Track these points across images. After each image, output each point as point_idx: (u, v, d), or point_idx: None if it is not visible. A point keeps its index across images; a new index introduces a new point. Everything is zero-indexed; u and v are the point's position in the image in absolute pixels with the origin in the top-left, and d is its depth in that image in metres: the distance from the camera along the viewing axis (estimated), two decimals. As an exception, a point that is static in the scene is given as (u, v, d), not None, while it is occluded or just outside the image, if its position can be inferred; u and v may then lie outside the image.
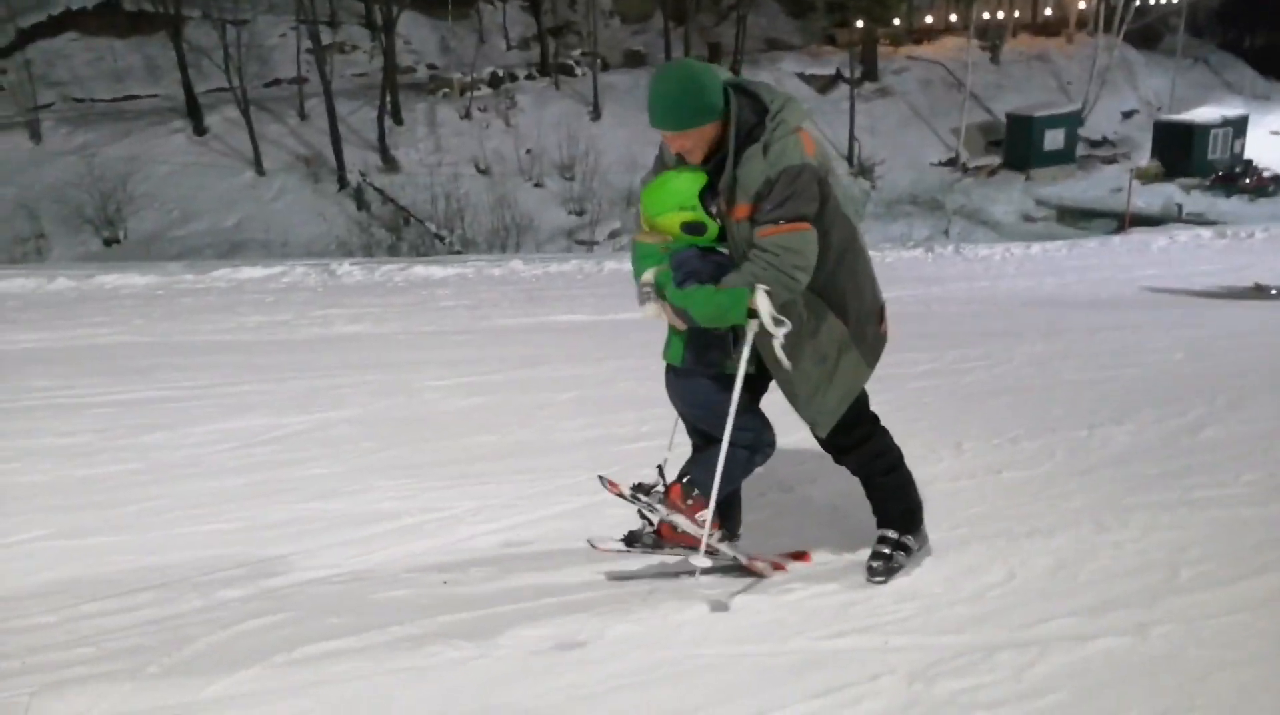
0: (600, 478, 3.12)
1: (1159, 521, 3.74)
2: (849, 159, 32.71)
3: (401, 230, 25.50)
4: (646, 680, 2.65)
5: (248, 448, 4.44)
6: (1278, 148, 32.38)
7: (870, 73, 35.73)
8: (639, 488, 3.07)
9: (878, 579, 3.10)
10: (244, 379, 5.63)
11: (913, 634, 2.87)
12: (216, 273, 9.73)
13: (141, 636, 2.82)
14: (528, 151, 30.94)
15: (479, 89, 32.50)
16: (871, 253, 3.21)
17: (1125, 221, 18.63)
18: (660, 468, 3.18)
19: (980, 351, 6.26)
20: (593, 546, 3.18)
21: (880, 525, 3.20)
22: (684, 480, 3.05)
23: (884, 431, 3.15)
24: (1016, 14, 38.91)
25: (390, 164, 29.46)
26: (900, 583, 3.17)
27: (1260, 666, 2.72)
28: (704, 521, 3.00)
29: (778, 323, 2.72)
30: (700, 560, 2.92)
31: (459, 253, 22.37)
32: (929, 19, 38.67)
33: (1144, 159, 31.97)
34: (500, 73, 33.30)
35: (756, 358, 2.92)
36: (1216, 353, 6.72)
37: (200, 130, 29.55)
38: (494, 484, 3.98)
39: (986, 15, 37.26)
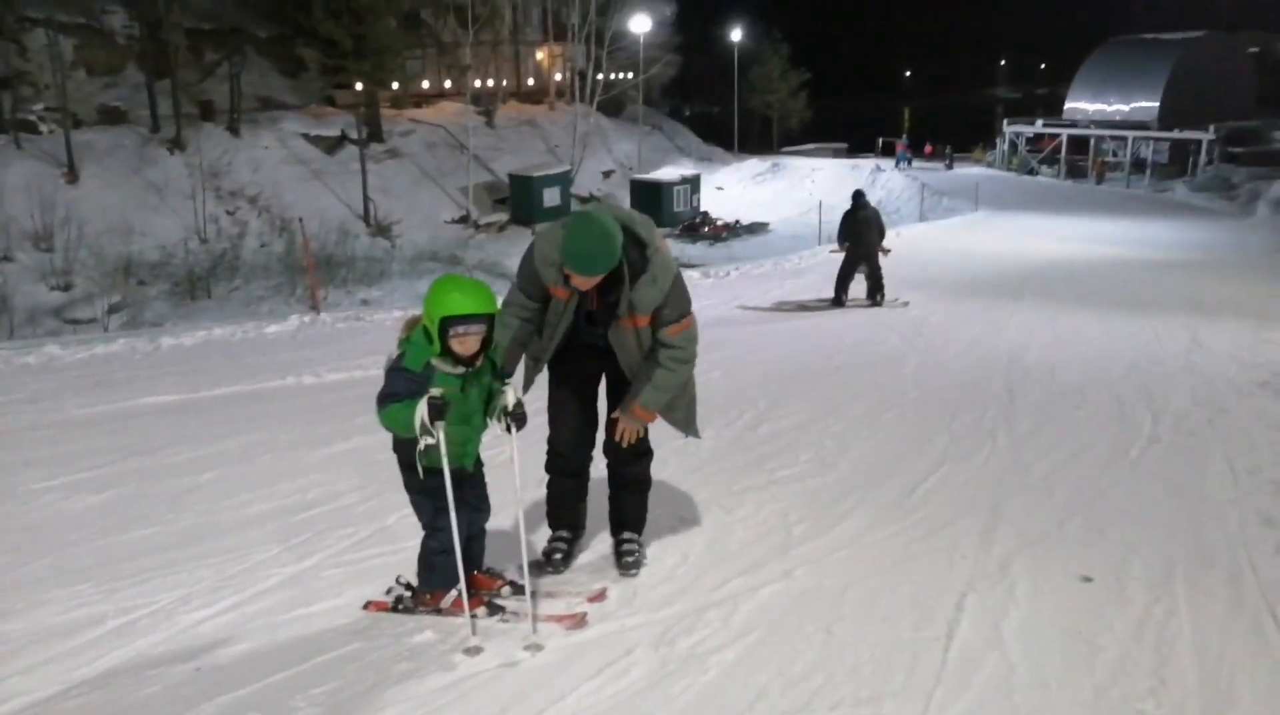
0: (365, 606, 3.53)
1: (763, 498, 4.82)
2: (365, 219, 32.92)
3: None
4: (447, 703, 2.94)
5: None
6: (722, 200, 39.23)
7: (376, 134, 36.32)
8: (399, 600, 3.52)
9: (632, 572, 3.79)
10: None
11: (639, 613, 3.51)
12: None
13: None
14: (-12, 220, 26.43)
15: (-93, 147, 27.07)
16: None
17: (629, 267, 21.69)
18: (398, 578, 3.58)
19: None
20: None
21: (626, 530, 3.90)
22: (413, 586, 3.53)
23: None
24: (505, 83, 42.32)
25: None
26: (612, 576, 3.79)
27: (870, 581, 3.81)
28: (451, 603, 3.40)
29: (424, 432, 3.10)
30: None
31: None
32: (425, 84, 40.44)
33: (626, 212, 36.62)
34: (-63, 129, 28.06)
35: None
36: (743, 368, 8.36)
37: None
38: (187, 571, 3.83)
39: (479, 83, 40.02)
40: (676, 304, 3.46)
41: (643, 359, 3.56)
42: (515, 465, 3.35)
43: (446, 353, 3.15)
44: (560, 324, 3.56)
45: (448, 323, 3.09)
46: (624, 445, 3.69)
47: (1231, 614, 3.56)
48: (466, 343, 3.13)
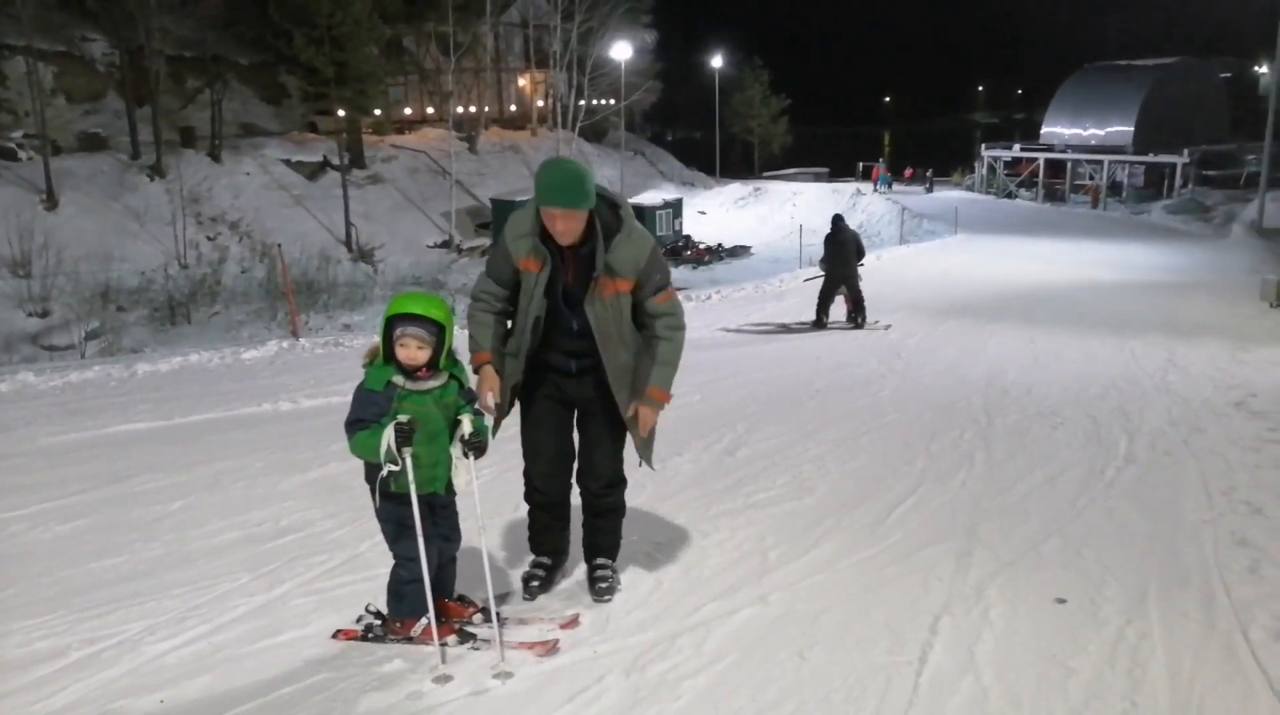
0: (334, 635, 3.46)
1: (738, 523, 4.80)
2: (347, 244, 32.87)
3: None
4: (415, 732, 2.89)
5: None
6: (704, 224, 39.40)
7: (358, 160, 36.35)
8: (369, 629, 3.44)
9: (605, 598, 3.76)
10: None
11: (611, 640, 3.47)
12: None
13: None
14: (-36, 246, 26.23)
15: (-116, 174, 26.86)
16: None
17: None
18: (368, 606, 3.51)
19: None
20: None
21: (600, 556, 3.87)
22: (383, 615, 3.46)
23: None
24: (487, 109, 42.51)
25: None
26: (585, 602, 3.76)
27: (844, 606, 3.79)
28: (421, 631, 3.34)
29: (389, 459, 3.10)
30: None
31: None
32: (408, 110, 40.55)
33: (609, 236, 36.71)
34: (-86, 156, 27.88)
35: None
36: (723, 392, 8.36)
37: None
38: (154, 601, 3.77)
39: (461, 109, 40.16)
40: (660, 269, 3.47)
41: (624, 348, 3.48)
42: (475, 494, 3.32)
43: (390, 359, 3.15)
44: (532, 309, 3.43)
45: (393, 324, 3.13)
46: (644, 434, 3.63)
47: (1205, 636, 3.56)
48: (407, 345, 3.13)
